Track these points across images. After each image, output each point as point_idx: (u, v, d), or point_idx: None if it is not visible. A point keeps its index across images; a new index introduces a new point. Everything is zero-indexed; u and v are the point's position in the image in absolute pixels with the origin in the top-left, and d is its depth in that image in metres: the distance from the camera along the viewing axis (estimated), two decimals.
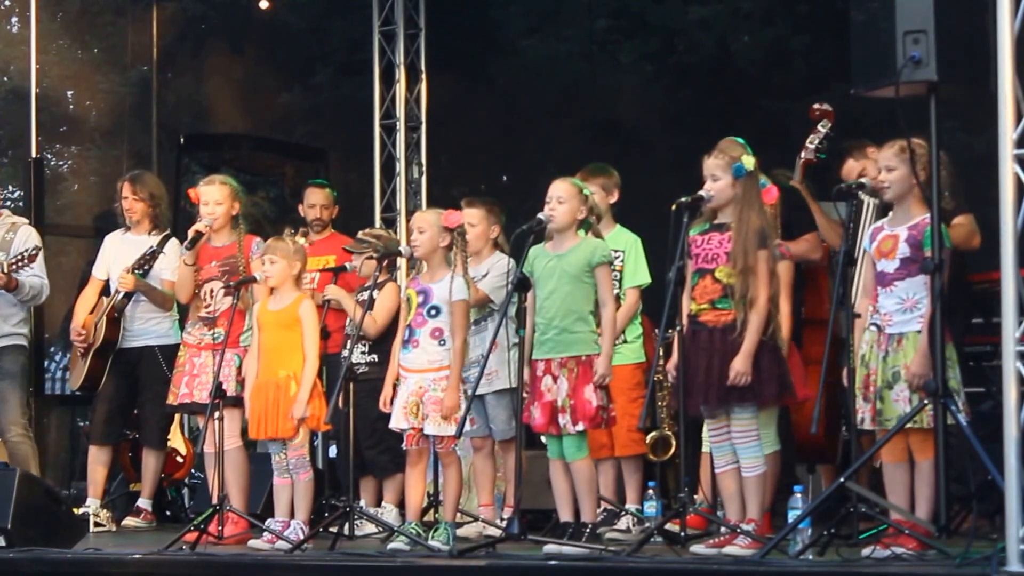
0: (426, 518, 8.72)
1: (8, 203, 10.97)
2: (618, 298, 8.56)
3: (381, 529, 8.77)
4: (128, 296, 10.08)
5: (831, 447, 8.84)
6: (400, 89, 12.90)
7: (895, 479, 7.10)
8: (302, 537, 8.27)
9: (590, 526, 7.73)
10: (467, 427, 7.83)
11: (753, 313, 7.25)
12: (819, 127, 9.16)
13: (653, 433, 9.00)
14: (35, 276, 10.05)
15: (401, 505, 8.89)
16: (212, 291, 9.34)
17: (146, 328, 10.19)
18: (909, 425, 6.91)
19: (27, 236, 10.12)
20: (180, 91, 15.58)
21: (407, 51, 12.88)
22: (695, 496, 7.93)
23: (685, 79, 14.93)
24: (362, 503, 9.39)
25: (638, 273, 8.81)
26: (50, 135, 15.28)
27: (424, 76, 12.92)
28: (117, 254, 10.28)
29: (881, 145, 7.39)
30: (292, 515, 8.50)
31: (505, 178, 15.59)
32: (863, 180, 7.45)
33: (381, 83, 12.93)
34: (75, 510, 9.55)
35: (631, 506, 8.79)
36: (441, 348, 7.98)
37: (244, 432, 9.12)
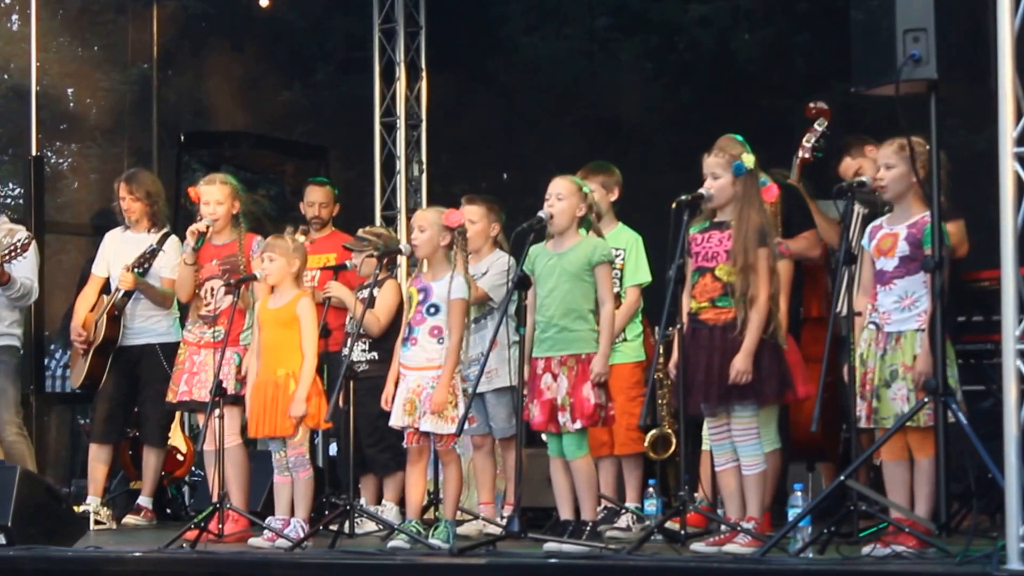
0: (426, 516, 8.73)
1: (8, 200, 10.97)
2: (619, 296, 8.56)
3: (381, 527, 8.77)
4: (128, 294, 10.08)
5: (831, 445, 8.84)
6: (400, 87, 12.90)
7: (895, 477, 7.11)
8: (302, 535, 8.27)
9: (590, 524, 7.73)
10: (467, 425, 7.83)
11: (754, 311, 7.25)
12: (815, 126, 9.16)
13: (653, 431, 8.99)
14: (26, 278, 10.06)
15: (401, 503, 8.89)
16: (212, 289, 9.35)
17: (146, 326, 10.19)
18: (908, 423, 6.91)
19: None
20: (180, 89, 15.57)
21: (407, 49, 12.88)
22: (695, 494, 7.94)
23: (685, 77, 14.92)
24: (362, 501, 9.40)
25: (639, 271, 8.81)
26: (50, 133, 15.27)
27: (424, 74, 12.92)
28: (117, 252, 10.28)
29: (881, 142, 7.40)
30: (292, 513, 8.51)
31: (505, 176, 15.59)
32: (863, 179, 7.45)
33: (381, 81, 12.93)
34: (75, 508, 9.56)
35: (631, 504, 8.80)
36: (440, 346, 7.98)
37: (244, 430, 9.13)
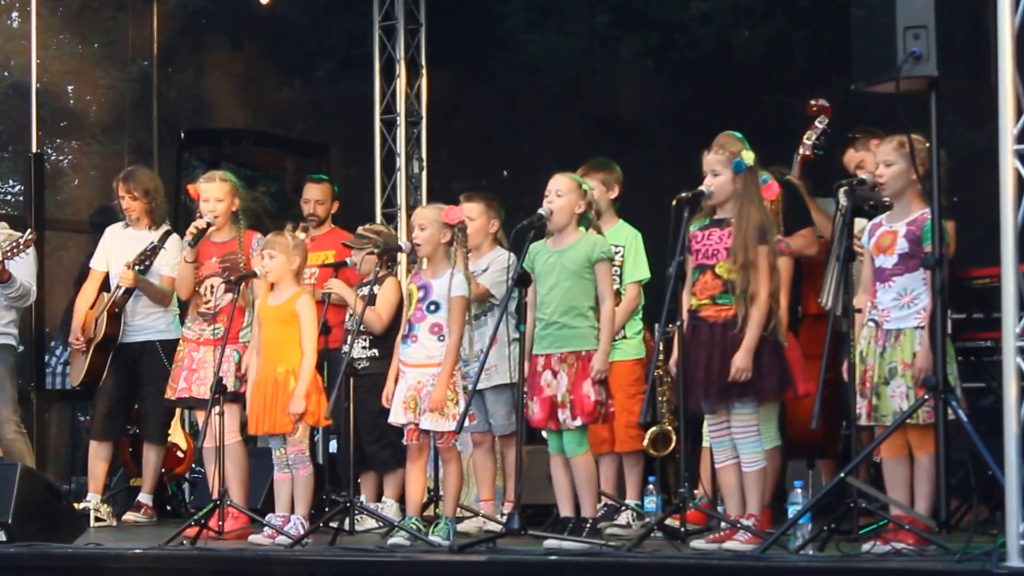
0: (426, 513, 8.73)
1: (8, 198, 10.97)
2: (619, 293, 8.56)
3: (381, 524, 8.78)
4: (128, 292, 10.08)
5: (831, 442, 8.84)
6: (400, 84, 12.90)
7: (895, 474, 7.10)
8: (302, 532, 8.28)
9: (590, 521, 7.73)
10: (467, 422, 7.83)
11: (754, 309, 7.25)
12: (816, 123, 9.16)
13: (653, 428, 8.99)
14: (25, 279, 10.07)
15: (401, 500, 8.89)
16: (212, 287, 9.36)
17: (146, 323, 10.19)
18: (907, 421, 6.91)
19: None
20: (181, 86, 15.57)
21: (407, 46, 12.88)
22: (695, 491, 7.94)
23: (685, 74, 14.91)
24: (362, 498, 9.40)
25: (638, 268, 8.81)
26: (50, 130, 15.27)
27: (424, 71, 12.92)
28: (117, 248, 10.28)
29: (887, 136, 7.39)
30: (292, 510, 8.51)
31: (506, 173, 15.58)
32: (863, 176, 7.45)
33: (381, 78, 12.93)
34: (76, 505, 9.57)
35: (631, 501, 8.80)
36: (440, 344, 7.99)
37: (243, 427, 9.13)
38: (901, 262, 7.13)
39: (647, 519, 8.10)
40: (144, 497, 10.24)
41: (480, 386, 8.37)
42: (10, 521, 8.25)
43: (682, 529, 7.33)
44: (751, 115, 12.48)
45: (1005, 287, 6.04)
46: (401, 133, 12.92)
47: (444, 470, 8.15)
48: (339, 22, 15.46)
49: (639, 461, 8.95)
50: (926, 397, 6.83)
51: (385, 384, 8.22)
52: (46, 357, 12.76)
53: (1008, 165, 6.02)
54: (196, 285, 9.40)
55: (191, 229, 9.33)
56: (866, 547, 6.75)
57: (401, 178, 12.91)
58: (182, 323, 9.74)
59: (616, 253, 8.52)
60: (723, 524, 7.38)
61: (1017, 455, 5.89)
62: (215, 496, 8.65)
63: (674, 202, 7.42)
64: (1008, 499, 5.90)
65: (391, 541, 7.94)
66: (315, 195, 10.39)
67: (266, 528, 8.44)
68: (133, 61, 14.77)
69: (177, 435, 10.89)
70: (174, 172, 12.85)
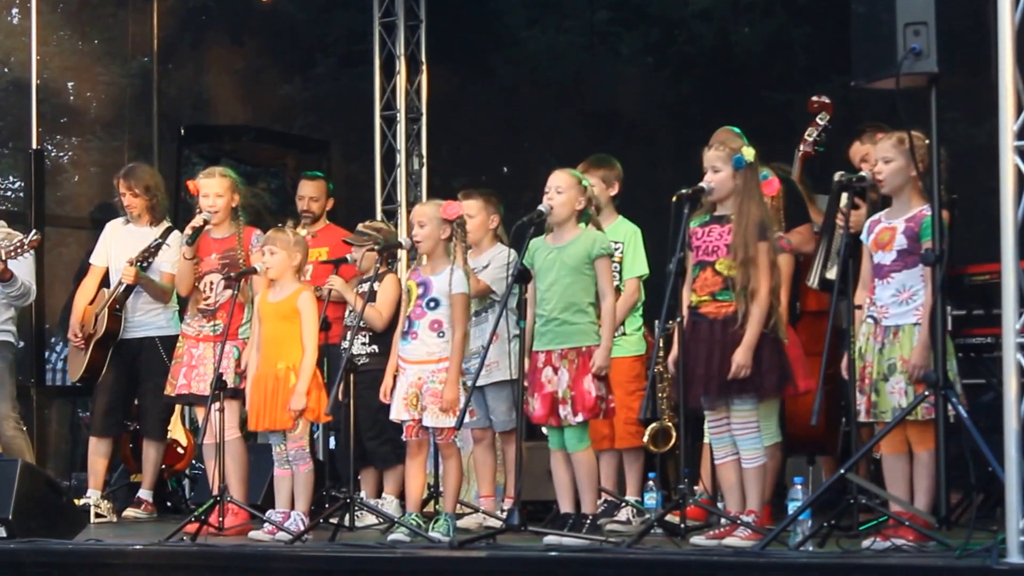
0: (426, 509, 8.73)
1: (8, 194, 10.97)
2: (618, 290, 8.56)
3: (381, 520, 8.78)
4: (129, 288, 10.08)
5: (831, 438, 8.84)
6: (401, 80, 12.90)
7: (894, 471, 7.11)
8: (302, 528, 8.28)
9: (590, 517, 7.72)
10: (467, 418, 7.83)
11: (754, 305, 7.25)
12: (817, 120, 9.16)
13: (653, 425, 8.99)
14: (26, 278, 10.07)
15: (401, 496, 8.89)
16: (212, 283, 9.36)
17: (146, 319, 10.19)
18: (906, 417, 6.91)
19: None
20: (181, 82, 15.55)
21: (408, 42, 12.88)
22: (695, 488, 7.94)
23: (685, 70, 14.90)
24: (362, 494, 9.40)
25: (637, 264, 8.81)
26: (51, 126, 15.24)
27: (425, 67, 12.93)
28: (118, 244, 10.28)
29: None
30: (292, 506, 8.51)
31: (506, 170, 15.58)
32: (863, 174, 7.45)
33: (382, 74, 12.93)
34: (76, 501, 9.57)
35: (631, 498, 8.80)
36: (440, 340, 8.00)
37: (243, 424, 9.13)
38: (899, 258, 7.13)
39: (647, 515, 8.10)
40: (144, 493, 10.24)
41: (480, 382, 8.37)
42: (10, 517, 8.25)
43: (682, 525, 7.33)
44: (751, 112, 12.47)
45: (1005, 283, 6.04)
46: (401, 129, 12.92)
47: (444, 466, 8.15)
48: (339, 18, 15.46)
49: (639, 457, 8.95)
50: (926, 393, 6.83)
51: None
52: (46, 353, 12.76)
53: (1008, 161, 6.02)
54: (196, 281, 9.40)
55: (188, 229, 9.34)
56: (866, 543, 6.75)
57: (401, 174, 12.91)
58: (181, 319, 9.74)
59: (616, 249, 8.52)
60: (723, 520, 7.38)
61: (1017, 451, 5.90)
62: (215, 492, 8.64)
63: (674, 198, 7.42)
64: (1008, 495, 5.90)
65: (391, 537, 7.94)
66: (310, 192, 10.40)
67: (266, 524, 8.44)
68: (133, 57, 14.76)
69: (177, 431, 10.90)
70: (174, 168, 12.85)
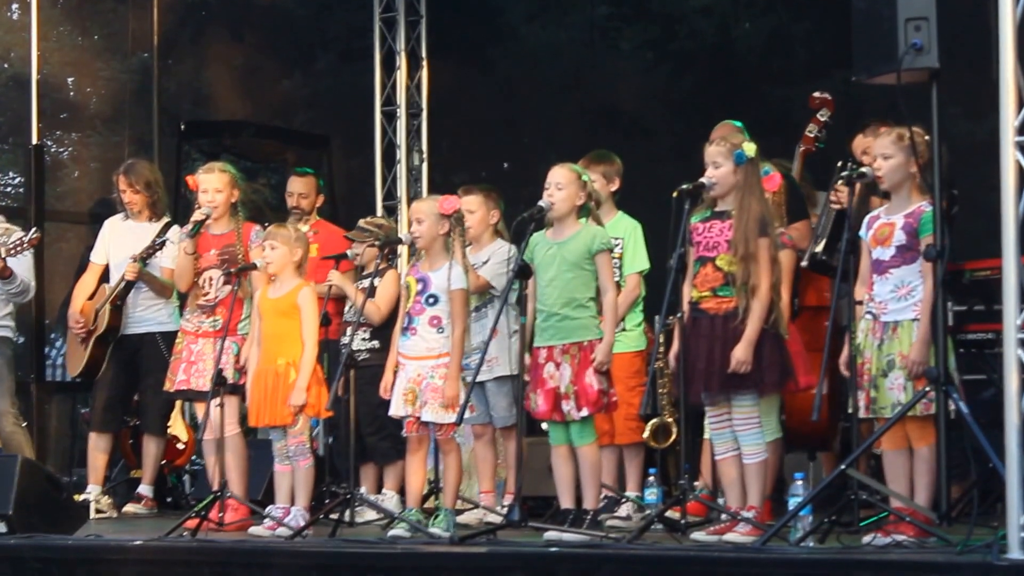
0: (426, 505, 8.73)
1: (9, 189, 10.96)
2: (618, 285, 8.56)
3: (382, 516, 8.77)
4: (130, 284, 10.08)
5: (832, 434, 8.84)
6: (401, 76, 12.91)
7: (895, 466, 7.10)
8: (302, 524, 8.28)
9: (591, 513, 7.73)
10: (467, 414, 7.83)
11: (755, 301, 7.25)
12: (818, 116, 9.15)
13: (654, 420, 9.00)
14: (25, 275, 10.07)
15: (402, 492, 8.89)
16: (211, 279, 9.34)
17: (147, 315, 10.20)
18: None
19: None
20: (181, 78, 15.54)
21: (408, 38, 12.89)
22: (695, 483, 7.93)
23: (686, 66, 14.88)
24: (362, 490, 9.40)
25: (637, 259, 8.81)
26: (51, 122, 15.21)
27: (425, 63, 12.93)
28: (118, 240, 10.28)
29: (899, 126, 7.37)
30: (293, 502, 8.51)
31: (506, 165, 15.55)
32: (864, 169, 7.44)
33: (382, 70, 12.94)
34: (76, 497, 9.56)
35: (632, 493, 8.80)
36: (439, 336, 7.99)
37: (243, 420, 9.12)
38: (898, 254, 7.13)
39: (647, 511, 8.10)
40: (144, 489, 10.25)
41: (481, 378, 8.38)
42: (11, 513, 8.25)
43: (682, 521, 7.33)
44: (752, 107, 12.46)
45: (1006, 279, 6.04)
46: (402, 125, 12.92)
47: (444, 462, 8.15)
48: (339, 14, 15.45)
49: (639, 453, 8.95)
50: (927, 389, 6.83)
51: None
52: (46, 349, 12.76)
53: (1009, 157, 6.01)
54: (195, 277, 9.39)
55: (190, 224, 9.32)
56: (867, 539, 6.75)
57: (401, 170, 12.92)
58: (182, 315, 9.73)
59: (616, 245, 8.52)
60: (723, 516, 7.38)
61: (1018, 447, 5.89)
62: (215, 488, 8.65)
63: (675, 194, 7.41)
64: (1009, 491, 5.90)
65: (391, 533, 7.94)
66: (299, 188, 10.41)
67: (266, 520, 8.44)
68: (133, 53, 14.74)
69: (177, 427, 10.90)
70: (174, 164, 12.84)
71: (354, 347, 9.02)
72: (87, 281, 10.33)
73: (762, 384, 7.31)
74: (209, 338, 9.18)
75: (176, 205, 11.53)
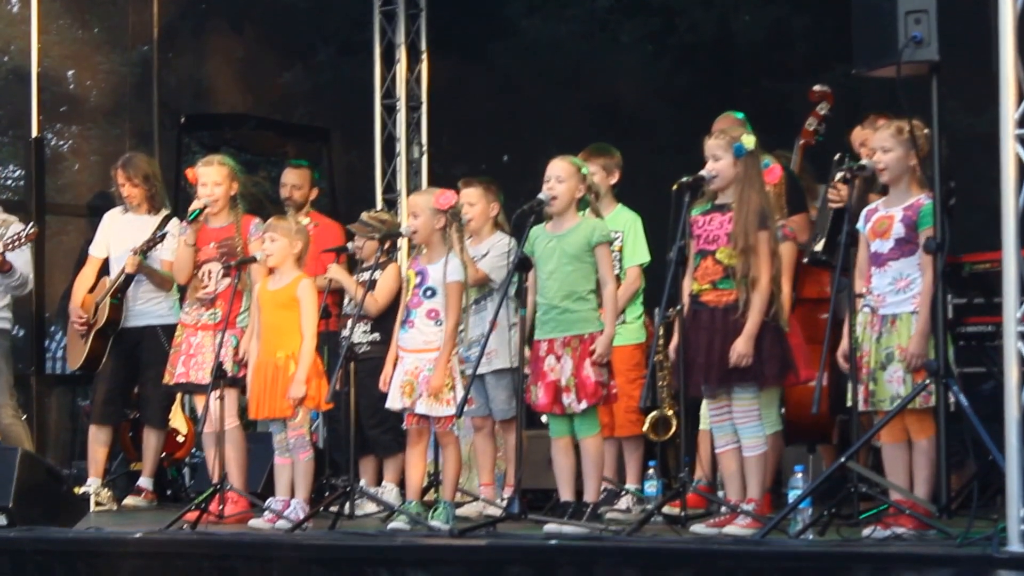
0: (426, 498, 8.73)
1: (9, 182, 10.96)
2: (618, 278, 8.56)
3: (381, 508, 8.78)
4: (129, 277, 10.08)
5: (832, 427, 8.84)
6: (401, 69, 12.90)
7: (894, 459, 7.10)
8: (302, 516, 8.28)
9: (591, 506, 7.73)
10: (467, 407, 7.83)
11: (755, 294, 7.25)
12: (818, 109, 9.15)
13: (654, 413, 9.00)
14: (24, 269, 10.07)
15: (401, 484, 8.89)
16: (210, 272, 9.34)
17: (147, 308, 10.20)
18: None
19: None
20: (181, 71, 15.52)
21: (408, 31, 12.88)
22: (694, 475, 7.93)
23: (686, 59, 14.89)
24: (362, 482, 9.40)
25: (637, 251, 8.82)
26: (51, 115, 15.20)
27: (425, 56, 12.92)
28: (117, 233, 10.28)
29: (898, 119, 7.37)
30: (292, 494, 8.51)
31: (506, 158, 15.56)
32: (864, 162, 7.44)
33: (382, 63, 12.93)
34: (76, 489, 9.57)
35: (631, 486, 8.80)
36: (437, 329, 8.00)
37: (243, 412, 9.13)
38: (897, 247, 7.13)
39: (647, 504, 8.10)
40: (144, 481, 10.25)
41: (480, 371, 8.38)
42: (11, 505, 8.25)
43: (682, 514, 7.33)
44: (751, 100, 12.46)
45: (1006, 272, 6.04)
46: (401, 118, 12.92)
47: (443, 454, 8.16)
48: (339, 7, 15.44)
49: (639, 446, 8.95)
50: (927, 382, 6.83)
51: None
52: (46, 342, 12.76)
53: (1009, 150, 6.01)
54: (194, 270, 9.38)
55: (189, 213, 9.32)
56: (866, 532, 6.75)
57: (401, 163, 12.91)
58: (181, 308, 9.73)
59: (616, 238, 8.52)
60: (723, 509, 7.38)
61: (1018, 440, 5.89)
62: (215, 480, 8.65)
63: (675, 187, 7.41)
64: (1009, 484, 5.90)
65: (391, 525, 7.95)
66: (292, 180, 10.41)
67: (266, 512, 8.45)
68: (133, 46, 14.73)
69: (177, 420, 10.90)
70: (175, 157, 12.83)
71: (354, 340, 9.02)
72: (87, 274, 10.33)
73: (762, 377, 7.31)
74: (208, 331, 9.18)
75: (176, 198, 11.53)
